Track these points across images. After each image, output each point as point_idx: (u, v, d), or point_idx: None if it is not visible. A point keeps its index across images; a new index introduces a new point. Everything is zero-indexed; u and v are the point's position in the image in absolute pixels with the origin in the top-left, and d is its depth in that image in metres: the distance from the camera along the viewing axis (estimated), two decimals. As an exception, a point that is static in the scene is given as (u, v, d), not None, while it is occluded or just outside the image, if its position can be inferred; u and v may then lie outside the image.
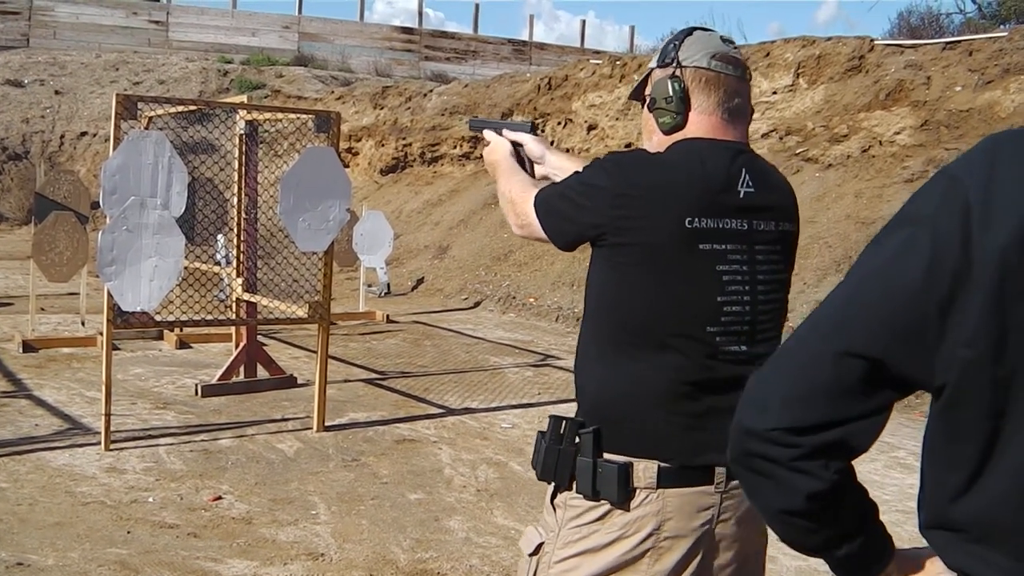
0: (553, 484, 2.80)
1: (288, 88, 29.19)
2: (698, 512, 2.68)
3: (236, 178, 9.52)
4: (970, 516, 1.55)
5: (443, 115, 23.65)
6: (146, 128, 8.90)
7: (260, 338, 10.35)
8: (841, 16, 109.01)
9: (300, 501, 6.58)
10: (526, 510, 6.52)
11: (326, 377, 8.35)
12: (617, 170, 2.71)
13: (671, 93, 2.77)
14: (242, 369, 9.68)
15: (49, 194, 11.36)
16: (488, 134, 3.23)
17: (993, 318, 1.46)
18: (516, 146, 3.19)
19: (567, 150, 18.09)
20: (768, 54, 17.70)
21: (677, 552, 2.67)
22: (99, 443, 7.39)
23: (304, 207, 7.90)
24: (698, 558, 2.70)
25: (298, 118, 9.43)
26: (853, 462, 1.66)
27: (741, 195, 2.70)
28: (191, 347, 11.78)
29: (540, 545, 2.82)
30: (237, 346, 9.90)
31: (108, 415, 7.36)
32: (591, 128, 20.03)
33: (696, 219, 2.62)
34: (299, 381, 9.90)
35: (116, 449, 7.39)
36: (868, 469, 7.32)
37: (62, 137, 27.18)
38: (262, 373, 9.77)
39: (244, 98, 11.82)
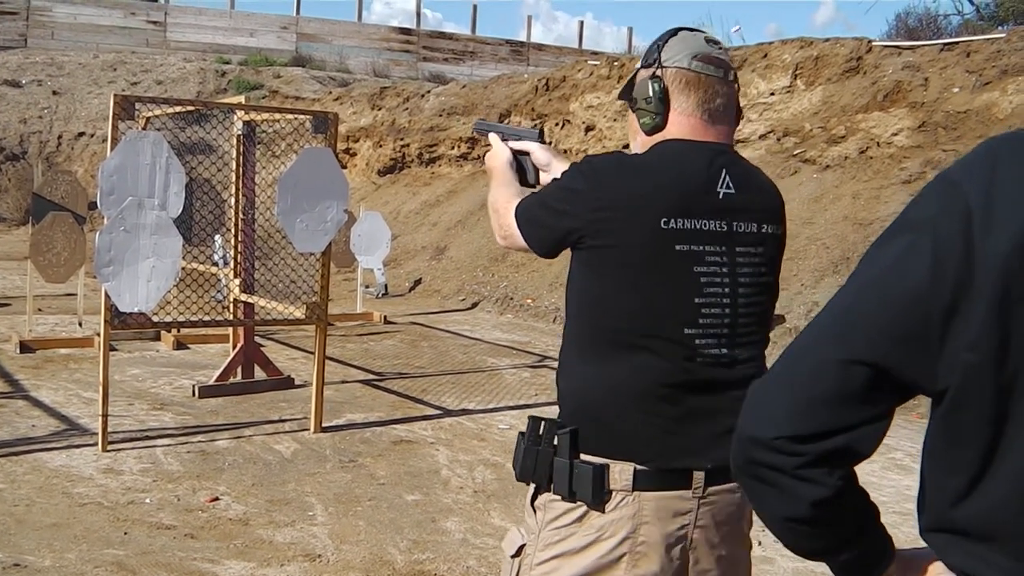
0: (533, 486, 2.79)
1: (286, 89, 29.19)
2: (675, 517, 2.66)
3: (234, 179, 9.52)
4: (971, 519, 1.54)
5: (441, 116, 23.64)
6: (144, 128, 8.89)
7: (257, 339, 10.34)
8: (839, 17, 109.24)
9: (297, 502, 6.58)
10: (523, 511, 6.51)
11: (323, 378, 8.35)
12: (593, 173, 2.72)
13: (651, 94, 2.77)
14: (239, 370, 9.67)
15: (47, 194, 11.35)
16: (492, 138, 3.22)
17: (996, 323, 1.45)
18: (523, 154, 3.17)
19: (565, 151, 18.14)
20: (766, 55, 17.71)
21: (654, 558, 2.65)
22: (96, 444, 7.39)
23: (302, 208, 7.90)
24: (676, 564, 2.68)
25: (296, 119, 9.42)
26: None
27: (720, 196, 2.69)
28: (188, 348, 11.78)
29: (522, 547, 2.83)
30: (234, 347, 9.90)
31: (105, 416, 7.36)
32: (589, 129, 20.03)
33: (672, 220, 2.62)
34: (296, 382, 9.89)
35: (113, 450, 7.38)
36: (866, 470, 7.28)
37: (60, 137, 27.18)
38: (259, 374, 9.76)
39: (242, 99, 11.83)
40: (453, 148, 22.89)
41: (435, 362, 11.89)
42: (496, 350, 12.72)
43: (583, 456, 2.68)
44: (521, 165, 3.15)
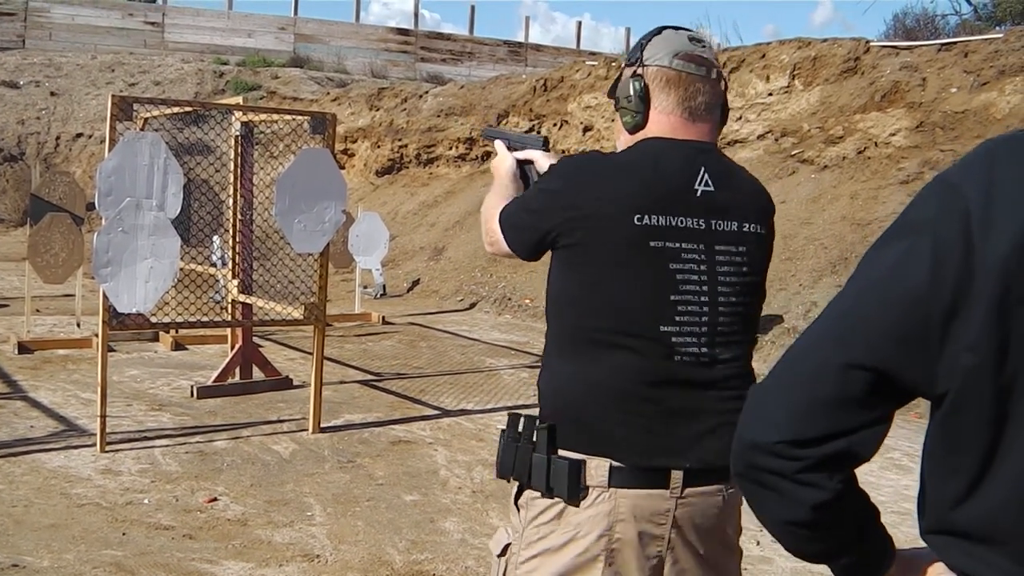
0: (517, 484, 2.79)
1: (284, 89, 29.19)
2: (651, 516, 2.64)
3: (232, 179, 9.51)
4: (972, 522, 1.54)
5: (439, 116, 23.64)
6: (142, 129, 8.91)
7: (256, 340, 10.34)
8: (837, 18, 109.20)
9: (296, 503, 6.58)
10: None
11: (322, 379, 8.35)
12: (569, 172, 2.75)
13: (631, 92, 2.79)
14: (238, 371, 9.67)
15: (44, 195, 11.36)
16: (498, 145, 3.22)
17: (995, 325, 1.46)
18: (527, 163, 3.17)
19: (563, 152, 18.12)
20: (764, 55, 17.72)
21: (630, 556, 2.64)
22: (94, 445, 7.39)
23: (300, 208, 7.90)
24: (652, 564, 2.67)
25: (294, 119, 9.42)
26: None
27: (698, 194, 2.69)
28: (187, 349, 11.78)
29: (507, 546, 2.83)
30: (233, 348, 9.90)
31: (103, 417, 7.35)
32: (587, 129, 20.04)
33: (646, 216, 2.62)
34: (295, 383, 9.90)
35: (111, 451, 7.38)
36: (864, 470, 7.21)
37: (57, 138, 27.16)
38: (258, 375, 9.76)
39: (240, 99, 11.82)
40: (451, 149, 22.88)
41: (433, 362, 11.89)
42: (494, 350, 12.72)
43: (561, 452, 2.68)
44: (525, 173, 3.16)
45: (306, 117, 8.78)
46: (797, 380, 1.64)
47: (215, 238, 11.44)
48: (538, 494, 2.71)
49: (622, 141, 2.87)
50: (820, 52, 16.92)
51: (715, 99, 2.80)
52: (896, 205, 12.98)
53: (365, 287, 16.50)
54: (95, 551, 5.56)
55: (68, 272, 11.24)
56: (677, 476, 2.65)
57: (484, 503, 6.71)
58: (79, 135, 27.31)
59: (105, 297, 7.19)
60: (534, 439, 2.73)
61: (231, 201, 9.61)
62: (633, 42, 3.02)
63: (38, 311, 13.16)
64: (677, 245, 2.65)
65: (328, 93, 28.06)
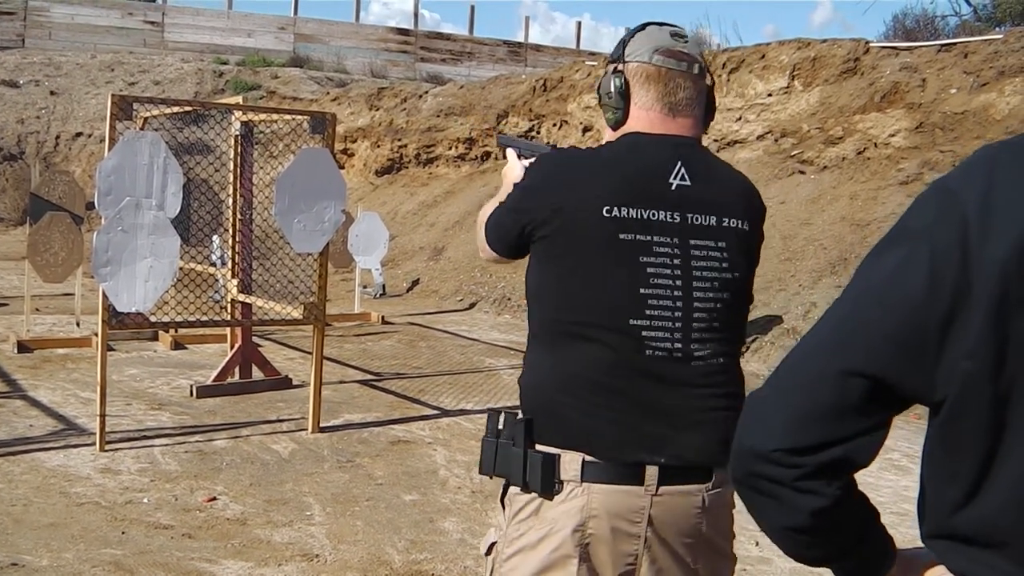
0: (504, 482, 2.78)
1: (283, 89, 29.19)
2: (626, 513, 2.61)
3: (231, 179, 9.51)
4: (972, 526, 1.54)
5: (439, 116, 23.64)
6: (141, 129, 8.91)
7: (255, 339, 10.34)
8: (837, 18, 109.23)
9: (295, 502, 6.58)
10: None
11: (321, 378, 8.35)
12: (545, 167, 2.77)
13: (612, 89, 2.80)
14: (237, 370, 9.67)
15: (44, 195, 11.35)
16: (510, 153, 3.23)
17: (993, 331, 1.45)
18: None
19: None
20: (763, 56, 17.72)
21: (604, 554, 2.62)
22: (94, 444, 7.39)
23: (299, 208, 7.90)
24: (628, 561, 2.64)
25: (293, 119, 9.41)
26: None
27: (673, 188, 2.68)
28: (186, 348, 11.78)
29: (493, 544, 2.83)
30: (232, 347, 9.90)
31: (103, 416, 7.36)
32: (587, 130, 20.03)
33: (616, 209, 2.62)
34: (294, 382, 9.90)
35: (111, 450, 7.38)
36: (863, 471, 7.25)
37: (57, 138, 27.16)
38: (257, 374, 9.77)
39: (239, 99, 11.81)
40: (451, 149, 22.88)
41: (433, 362, 11.89)
42: (494, 350, 12.72)
43: (538, 447, 2.67)
44: None
45: (306, 117, 8.77)
46: (795, 387, 1.63)
47: (215, 238, 11.44)
48: (518, 490, 2.71)
49: (606, 137, 2.88)
50: (820, 53, 16.92)
51: (697, 94, 2.80)
52: (895, 206, 12.99)
53: (365, 287, 16.50)
54: (94, 550, 5.56)
55: (68, 271, 11.24)
56: (652, 473, 2.61)
57: (483, 503, 6.71)
58: (79, 134, 27.32)
59: (104, 296, 7.19)
60: (513, 434, 2.72)
61: (231, 201, 9.61)
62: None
63: (38, 310, 13.16)
64: (648, 238, 2.64)
65: (328, 93, 28.06)
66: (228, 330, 10.52)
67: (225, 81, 30.06)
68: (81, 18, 31.98)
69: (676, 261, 2.66)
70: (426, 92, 25.28)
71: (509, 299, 16.15)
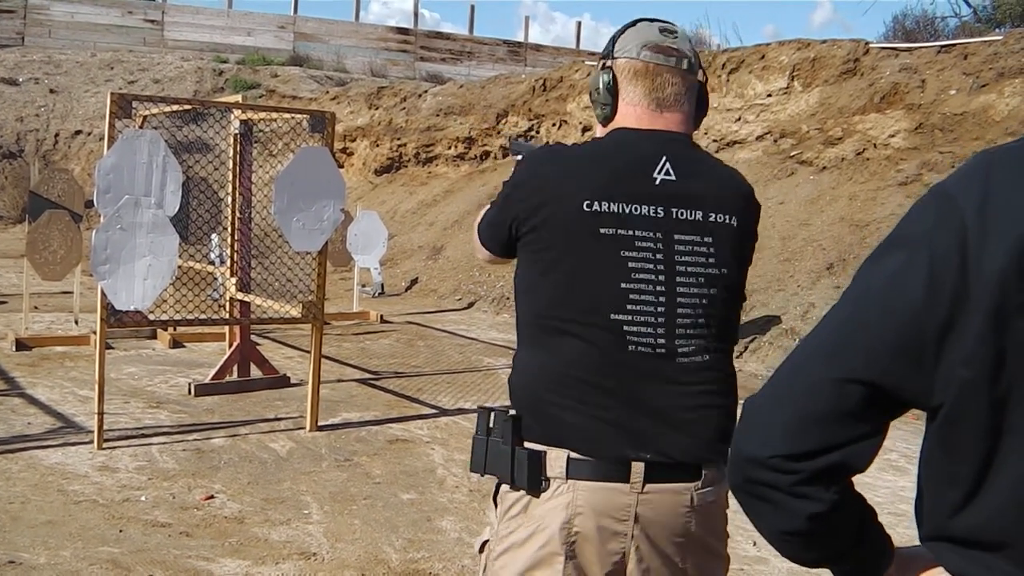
0: (496, 481, 2.77)
1: (283, 88, 29.19)
2: (612, 510, 2.60)
3: (231, 177, 9.52)
4: (971, 528, 1.55)
5: (438, 116, 23.64)
6: (141, 127, 8.90)
7: (254, 338, 10.34)
8: (837, 19, 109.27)
9: (292, 501, 6.58)
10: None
11: (319, 377, 8.35)
12: (531, 163, 2.78)
13: (600, 85, 2.81)
14: (235, 368, 9.67)
15: (43, 192, 11.34)
16: (520, 159, 3.24)
17: (991, 338, 1.45)
18: None
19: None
20: (763, 56, 17.72)
21: (590, 551, 2.61)
22: (92, 442, 7.39)
23: (298, 207, 7.90)
24: (615, 560, 2.62)
25: (293, 118, 9.41)
26: None
27: (657, 182, 2.68)
28: (184, 346, 11.79)
29: (486, 542, 2.82)
30: (231, 345, 9.89)
31: (101, 414, 7.36)
32: (586, 129, 20.02)
33: (596, 203, 2.62)
34: (292, 381, 9.89)
35: (109, 448, 7.38)
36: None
37: (56, 135, 27.16)
38: (255, 373, 9.77)
39: (239, 98, 11.81)
40: (450, 148, 22.88)
41: (431, 361, 11.89)
42: (492, 350, 12.72)
43: (527, 444, 2.67)
44: None
45: (305, 116, 8.77)
46: (792, 393, 1.64)
47: (214, 236, 11.46)
48: (508, 487, 2.70)
49: (597, 134, 2.89)
50: (819, 53, 16.92)
51: (685, 89, 2.79)
52: (894, 207, 12.99)
53: (363, 286, 16.51)
54: (92, 548, 5.56)
55: (66, 269, 11.23)
56: (638, 470, 2.60)
57: (481, 502, 6.71)
58: (78, 132, 27.32)
59: (103, 294, 7.19)
60: (502, 432, 2.72)
61: (230, 199, 9.61)
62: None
63: (36, 308, 13.16)
64: (630, 233, 2.63)
65: (327, 92, 28.07)
66: (227, 328, 10.52)
67: (225, 80, 30.07)
68: (81, 16, 31.98)
69: (659, 256, 2.65)
70: (425, 91, 25.28)
71: (508, 298, 16.14)
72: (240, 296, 9.46)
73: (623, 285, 2.61)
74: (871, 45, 16.70)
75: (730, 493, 2.04)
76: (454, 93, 24.48)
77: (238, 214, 9.49)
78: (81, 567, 5.30)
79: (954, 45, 15.73)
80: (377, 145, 24.18)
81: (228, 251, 9.77)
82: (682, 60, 2.77)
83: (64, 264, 11.12)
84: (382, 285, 17.43)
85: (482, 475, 2.77)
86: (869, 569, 1.74)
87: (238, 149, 9.39)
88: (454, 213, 20.23)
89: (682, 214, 2.68)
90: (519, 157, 3.14)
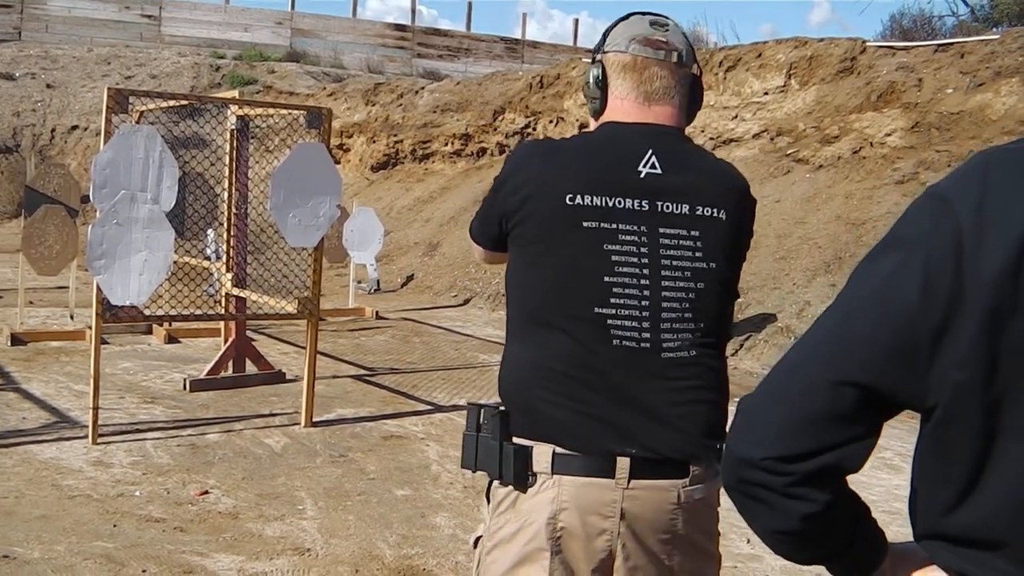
0: (489, 477, 2.75)
1: (280, 84, 29.16)
2: (597, 506, 2.58)
3: (227, 173, 9.51)
4: (964, 529, 1.55)
5: (435, 112, 23.63)
6: (137, 122, 8.89)
7: (249, 333, 10.35)
8: (834, 19, 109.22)
9: (287, 496, 6.58)
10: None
11: (314, 373, 8.35)
12: (517, 157, 2.78)
13: (590, 79, 2.82)
14: (231, 364, 9.68)
15: (39, 187, 11.34)
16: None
17: (985, 342, 1.45)
18: None
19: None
20: (760, 55, 17.71)
21: (575, 547, 2.60)
22: (86, 437, 7.39)
23: (294, 203, 7.90)
24: (601, 556, 2.60)
25: (289, 114, 9.43)
26: None
27: (643, 175, 2.67)
28: (180, 342, 11.79)
29: (479, 538, 2.82)
30: (226, 341, 9.90)
31: (96, 409, 7.36)
32: (583, 127, 19.96)
33: (579, 196, 2.61)
34: (287, 377, 9.90)
35: (103, 443, 7.38)
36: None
37: (53, 130, 27.13)
38: (251, 368, 9.77)
39: (236, 93, 11.81)
40: (447, 145, 22.87)
41: (426, 358, 11.89)
42: (487, 346, 12.71)
43: (515, 440, 2.66)
44: None
45: (302, 111, 8.77)
46: (787, 395, 1.63)
47: (209, 231, 11.45)
48: (498, 483, 2.70)
49: (591, 128, 2.89)
50: (816, 52, 16.92)
51: (675, 83, 2.78)
52: (891, 205, 12.99)
53: (359, 282, 16.50)
54: (86, 543, 5.57)
55: (62, 264, 11.23)
56: (623, 465, 2.58)
57: (475, 498, 6.71)
58: (74, 127, 27.29)
59: (99, 289, 7.19)
60: (491, 427, 2.71)
61: (226, 195, 9.61)
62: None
63: (31, 303, 13.16)
64: (614, 226, 2.62)
65: (324, 88, 28.03)
66: (222, 324, 10.52)
67: (222, 75, 30.04)
68: (78, 11, 31.94)
69: (643, 249, 2.63)
70: (422, 88, 25.26)
71: (503, 295, 16.05)
72: (236, 292, 9.46)
73: (606, 279, 2.61)
74: (868, 44, 16.70)
75: (722, 491, 2.04)
76: (451, 90, 24.46)
77: (234, 210, 9.49)
78: (75, 562, 5.30)
79: (951, 44, 15.72)
80: (374, 141, 24.17)
81: (224, 247, 9.77)
82: (671, 53, 2.75)
83: (60, 259, 11.11)
84: (378, 281, 17.43)
85: (473, 471, 2.76)
86: (863, 566, 1.74)
87: (235, 145, 9.38)
88: (450, 210, 20.22)
89: (668, 207, 2.67)
90: None
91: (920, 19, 23.44)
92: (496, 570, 2.69)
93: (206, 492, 6.55)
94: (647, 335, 2.62)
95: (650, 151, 2.69)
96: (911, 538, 1.69)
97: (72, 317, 12.15)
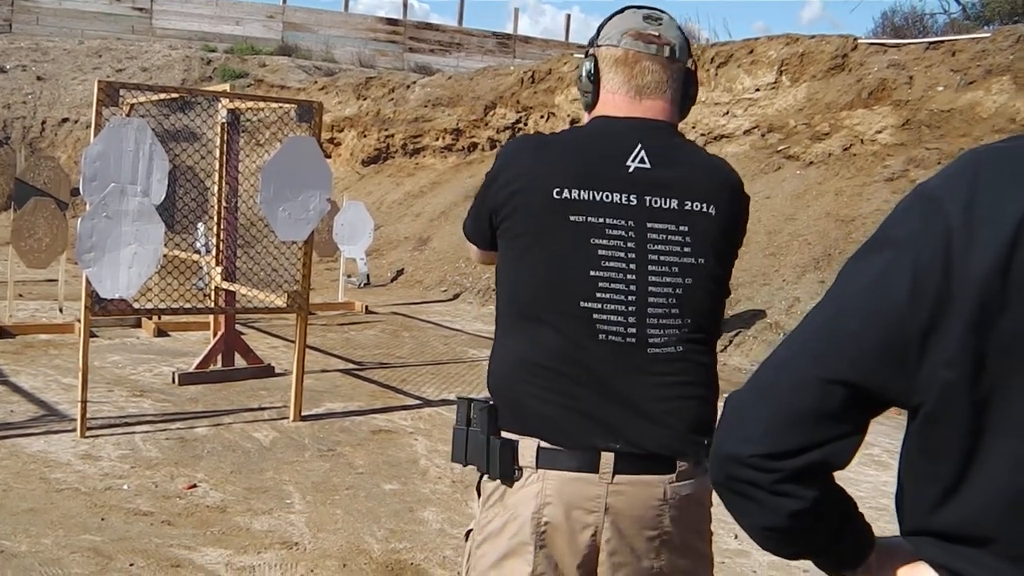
0: (480, 471, 2.75)
1: (271, 77, 29.11)
2: (581, 500, 2.58)
3: (217, 166, 9.50)
4: (951, 525, 1.55)
5: (426, 107, 23.62)
6: (128, 115, 8.88)
7: (238, 327, 10.34)
8: (826, 16, 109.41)
9: (275, 490, 6.58)
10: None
11: (303, 367, 8.35)
12: (506, 153, 2.79)
13: (583, 73, 2.81)
14: (220, 358, 9.67)
15: (29, 180, 11.33)
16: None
17: (973, 340, 1.46)
18: None
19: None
20: (752, 51, 17.72)
21: (560, 542, 2.59)
22: (75, 430, 7.38)
23: (285, 196, 7.89)
24: (585, 552, 2.60)
25: (280, 107, 9.40)
26: None
27: (631, 169, 2.66)
28: (169, 335, 11.77)
29: (469, 531, 2.83)
30: (215, 335, 9.89)
31: (84, 402, 7.35)
32: (574, 122, 19.99)
33: (566, 190, 2.61)
34: (276, 371, 9.89)
35: (91, 436, 7.37)
36: (843, 466, 7.32)
37: (43, 123, 27.06)
38: (240, 362, 9.76)
39: (227, 87, 11.80)
40: (437, 139, 22.87)
41: (416, 352, 11.89)
42: (477, 341, 12.71)
43: (503, 434, 2.66)
44: None
45: (293, 105, 8.76)
46: (775, 392, 1.63)
47: (199, 225, 11.44)
48: (487, 477, 2.70)
49: (583, 122, 2.89)
50: (808, 48, 16.93)
51: (668, 77, 2.76)
52: (880, 202, 13.01)
53: (349, 276, 16.51)
54: (73, 536, 5.56)
55: (51, 257, 11.22)
56: (607, 460, 2.57)
57: (463, 493, 6.71)
58: (65, 120, 27.22)
59: (88, 282, 7.18)
60: (480, 422, 2.71)
61: (216, 188, 9.60)
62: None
63: (21, 296, 13.14)
64: (601, 220, 2.61)
65: (315, 82, 28.00)
66: (211, 318, 10.51)
67: (213, 69, 29.96)
68: (69, 4, 31.83)
69: (630, 244, 2.62)
70: (414, 82, 25.25)
71: (493, 290, 15.97)
72: (225, 285, 9.45)
73: (592, 273, 2.60)
74: (859, 41, 16.71)
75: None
76: (442, 84, 24.45)
77: (224, 203, 9.48)
78: (62, 555, 5.29)
79: (942, 42, 15.74)
80: (365, 135, 24.16)
81: (214, 240, 9.76)
82: (663, 48, 2.74)
83: (49, 252, 11.11)
84: (367, 276, 17.42)
85: (464, 465, 2.76)
86: (849, 561, 1.75)
87: (225, 138, 9.37)
88: (441, 204, 20.22)
89: (656, 202, 2.66)
90: None
91: (912, 17, 23.49)
92: (484, 563, 2.69)
93: (194, 486, 6.54)
94: (633, 330, 2.61)
95: (639, 145, 2.68)
96: (898, 534, 1.70)
97: (61, 310, 12.14)
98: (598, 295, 2.60)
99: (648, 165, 2.67)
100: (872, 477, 7.43)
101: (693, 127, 17.19)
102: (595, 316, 2.60)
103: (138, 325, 12.02)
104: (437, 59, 34.83)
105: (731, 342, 11.78)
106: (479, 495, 2.78)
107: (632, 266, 2.62)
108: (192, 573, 5.26)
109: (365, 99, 25.21)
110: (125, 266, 7.16)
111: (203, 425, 7.95)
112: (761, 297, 12.41)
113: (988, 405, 1.48)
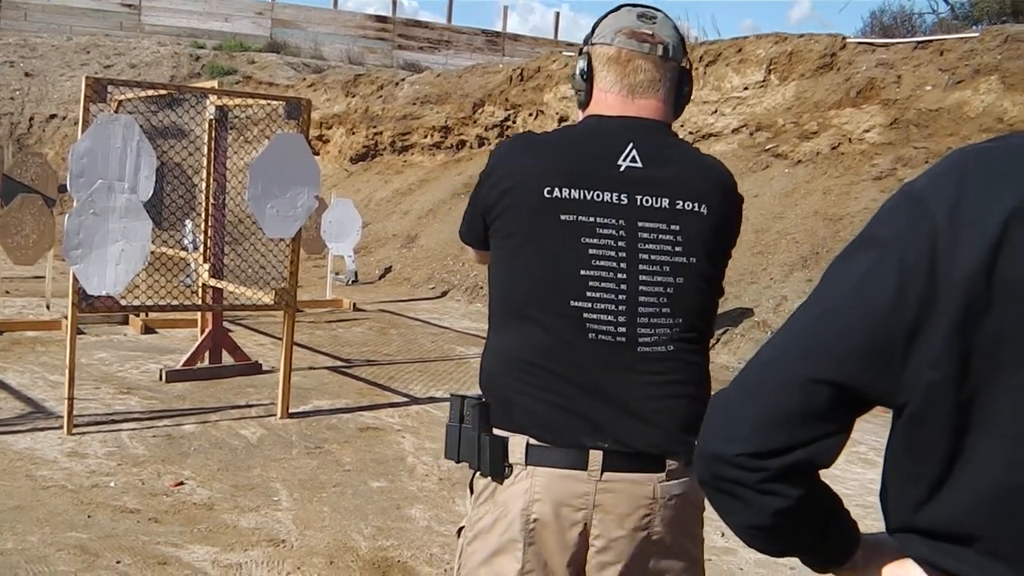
0: (473, 468, 2.76)
1: (260, 74, 29.08)
2: (569, 498, 2.58)
3: (205, 163, 9.49)
4: (936, 523, 1.55)
5: (414, 104, 23.61)
6: (116, 112, 8.88)
7: (226, 324, 10.33)
8: (814, 15, 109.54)
9: (262, 488, 6.58)
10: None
11: (291, 364, 8.34)
12: (498, 152, 2.78)
13: (577, 72, 2.81)
14: (207, 355, 9.66)
15: (16, 176, 11.32)
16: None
17: (958, 341, 1.46)
18: None
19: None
20: (740, 50, 17.73)
21: (549, 539, 2.60)
22: (61, 427, 7.37)
23: (272, 193, 7.88)
24: (574, 549, 2.61)
25: (268, 104, 9.38)
26: None
27: (622, 169, 2.65)
28: (156, 332, 11.75)
29: (461, 528, 2.83)
30: (202, 332, 9.87)
31: (71, 399, 7.33)
32: (563, 120, 20.01)
33: (557, 189, 2.61)
34: (264, 368, 9.88)
35: (78, 433, 7.36)
36: (830, 464, 7.33)
37: (31, 119, 27.01)
38: (227, 359, 9.75)
39: (215, 83, 11.77)
40: (426, 137, 22.86)
41: (403, 350, 11.89)
42: (464, 339, 12.72)
43: (495, 431, 2.66)
44: None
45: (281, 102, 8.75)
46: (761, 391, 1.64)
47: (187, 222, 11.41)
48: (479, 474, 2.71)
49: (578, 120, 2.89)
50: (796, 47, 16.95)
51: (661, 76, 2.76)
52: (868, 201, 13.03)
53: (337, 273, 16.50)
54: (60, 533, 5.55)
55: (38, 254, 11.20)
56: (596, 458, 2.58)
57: (451, 491, 6.72)
58: (53, 116, 27.17)
59: (75, 279, 7.17)
60: (472, 419, 2.71)
61: (204, 185, 9.58)
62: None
63: (7, 292, 13.13)
64: (591, 219, 2.61)
65: (304, 79, 27.98)
66: (199, 315, 10.49)
67: (201, 65, 29.93)
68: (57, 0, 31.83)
69: (621, 243, 2.62)
70: (402, 80, 25.24)
71: (481, 288, 16.14)
72: (213, 282, 9.44)
73: (583, 272, 2.60)
74: (848, 40, 16.73)
75: None
76: (431, 82, 24.44)
77: (212, 200, 9.47)
78: (49, 552, 5.28)
79: (931, 41, 15.76)
80: (353, 133, 24.15)
81: (201, 237, 9.74)
82: (657, 47, 2.73)
83: (36, 248, 11.09)
84: (355, 273, 17.41)
85: (456, 462, 2.76)
86: (835, 558, 1.75)
87: (213, 135, 9.36)
88: (429, 202, 20.21)
89: (647, 201, 2.65)
90: None
91: (900, 16, 23.52)
92: (475, 560, 2.70)
93: (181, 483, 6.54)
94: (623, 329, 2.61)
95: (631, 144, 2.68)
96: (884, 531, 1.70)
97: (48, 307, 12.11)
98: (588, 294, 2.60)
99: (640, 164, 2.67)
100: (859, 475, 7.44)
101: (682, 125, 17.18)
102: (585, 315, 2.60)
103: (125, 322, 12.01)
104: (426, 57, 34.83)
105: (719, 340, 11.80)
106: (471, 492, 2.79)
107: (622, 265, 2.62)
108: (179, 570, 5.25)
109: (354, 96, 25.20)
110: (112, 263, 7.15)
111: (190, 422, 7.94)
112: (749, 295, 12.43)
113: (973, 405, 1.48)
